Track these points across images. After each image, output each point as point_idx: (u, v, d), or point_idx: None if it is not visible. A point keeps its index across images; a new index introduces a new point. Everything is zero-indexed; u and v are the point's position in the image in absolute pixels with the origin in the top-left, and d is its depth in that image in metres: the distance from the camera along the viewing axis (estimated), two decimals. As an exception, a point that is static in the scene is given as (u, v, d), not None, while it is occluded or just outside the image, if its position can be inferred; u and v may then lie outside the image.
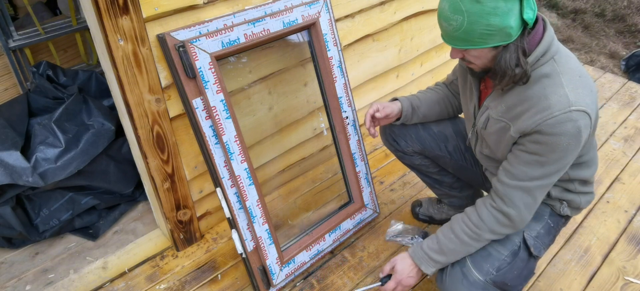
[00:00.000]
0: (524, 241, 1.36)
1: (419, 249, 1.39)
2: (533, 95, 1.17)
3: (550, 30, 1.18)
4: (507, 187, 1.24)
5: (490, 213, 1.28)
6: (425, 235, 1.62)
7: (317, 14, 1.66)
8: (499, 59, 1.14)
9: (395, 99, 1.63)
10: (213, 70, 1.42)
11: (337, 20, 1.92)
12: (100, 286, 1.77)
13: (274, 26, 1.55)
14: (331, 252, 1.90)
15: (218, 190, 1.56)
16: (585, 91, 1.16)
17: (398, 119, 1.62)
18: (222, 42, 1.44)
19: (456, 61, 2.85)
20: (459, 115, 1.72)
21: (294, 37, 1.78)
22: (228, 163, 1.52)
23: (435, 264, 1.36)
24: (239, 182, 1.54)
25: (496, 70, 1.16)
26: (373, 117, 1.57)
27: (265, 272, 1.68)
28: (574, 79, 1.16)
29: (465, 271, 1.32)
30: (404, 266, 1.39)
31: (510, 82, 1.16)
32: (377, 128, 1.64)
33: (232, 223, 1.60)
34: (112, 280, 1.79)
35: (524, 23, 1.10)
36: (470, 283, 1.31)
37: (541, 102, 1.15)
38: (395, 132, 1.68)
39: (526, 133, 1.18)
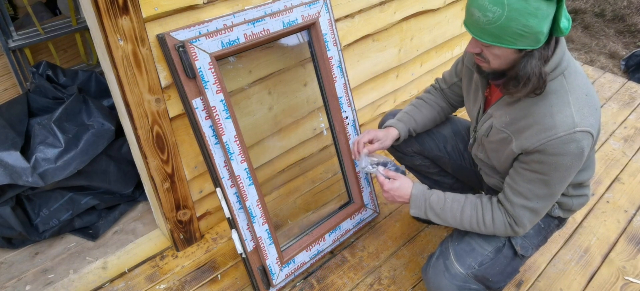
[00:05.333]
0: (510, 240, 1.38)
1: (423, 199, 1.40)
2: (539, 111, 1.15)
3: (562, 44, 1.16)
4: (516, 207, 1.25)
5: (503, 223, 1.30)
6: (398, 168, 1.57)
7: (317, 14, 1.66)
8: (523, 64, 1.10)
9: (390, 125, 1.61)
10: (213, 70, 1.42)
11: (337, 20, 1.92)
12: (100, 286, 1.77)
13: (274, 26, 1.55)
14: (331, 252, 1.90)
15: (218, 190, 1.56)
16: (590, 110, 1.15)
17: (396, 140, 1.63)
18: (222, 42, 1.44)
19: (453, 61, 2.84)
20: (456, 115, 1.72)
21: (293, 39, 1.77)
22: (228, 163, 1.52)
23: (424, 215, 1.40)
24: (238, 182, 1.54)
25: (520, 76, 1.11)
26: (363, 144, 1.57)
27: (265, 272, 1.68)
28: (580, 98, 1.15)
29: (448, 264, 1.36)
30: (401, 194, 1.42)
31: (530, 92, 1.13)
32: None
33: (232, 223, 1.60)
34: (112, 280, 1.79)
35: (551, 32, 1.08)
36: (452, 275, 1.34)
37: (546, 120, 1.13)
38: None
39: (528, 152, 1.17)
